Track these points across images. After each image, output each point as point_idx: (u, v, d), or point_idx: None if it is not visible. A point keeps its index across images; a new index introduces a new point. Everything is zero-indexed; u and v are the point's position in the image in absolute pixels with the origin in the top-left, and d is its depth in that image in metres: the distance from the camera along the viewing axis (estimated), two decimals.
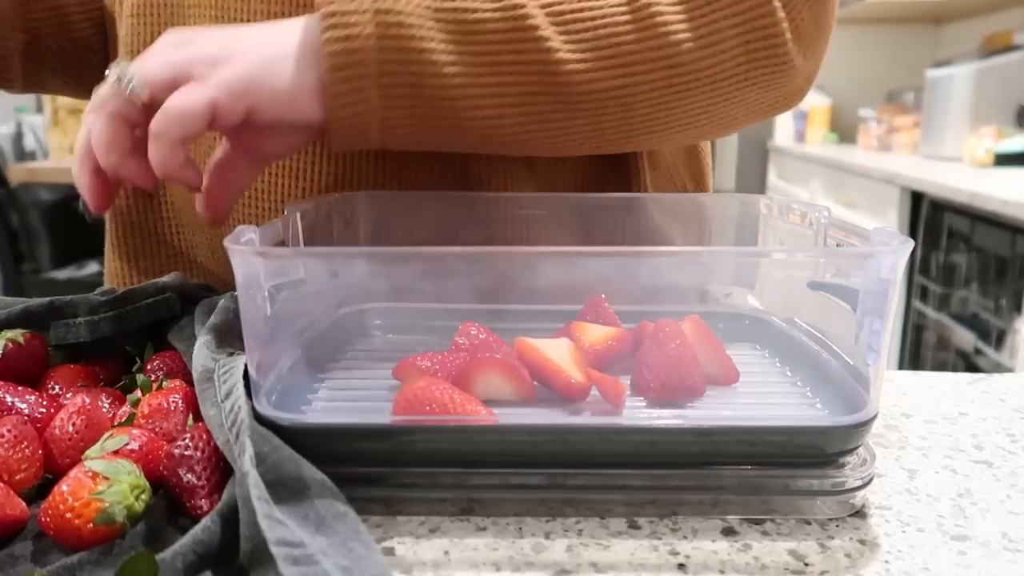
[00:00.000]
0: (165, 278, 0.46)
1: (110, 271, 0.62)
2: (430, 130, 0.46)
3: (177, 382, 0.39)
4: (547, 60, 0.44)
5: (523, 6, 0.44)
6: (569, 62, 0.45)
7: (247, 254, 0.34)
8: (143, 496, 0.31)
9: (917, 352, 1.99)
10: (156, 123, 0.40)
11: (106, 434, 0.34)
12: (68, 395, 0.40)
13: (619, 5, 0.45)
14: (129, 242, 0.60)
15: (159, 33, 0.45)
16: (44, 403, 0.38)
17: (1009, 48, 2.24)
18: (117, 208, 0.60)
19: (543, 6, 0.45)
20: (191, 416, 0.37)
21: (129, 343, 0.44)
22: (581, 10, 0.45)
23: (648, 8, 0.46)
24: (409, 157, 0.53)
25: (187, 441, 0.33)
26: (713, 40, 0.46)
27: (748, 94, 0.49)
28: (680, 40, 0.46)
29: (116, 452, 0.33)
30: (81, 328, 0.43)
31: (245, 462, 0.29)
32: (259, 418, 0.34)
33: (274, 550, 0.26)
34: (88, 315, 0.43)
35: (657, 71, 0.46)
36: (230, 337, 0.40)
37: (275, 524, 0.27)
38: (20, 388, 0.38)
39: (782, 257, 0.47)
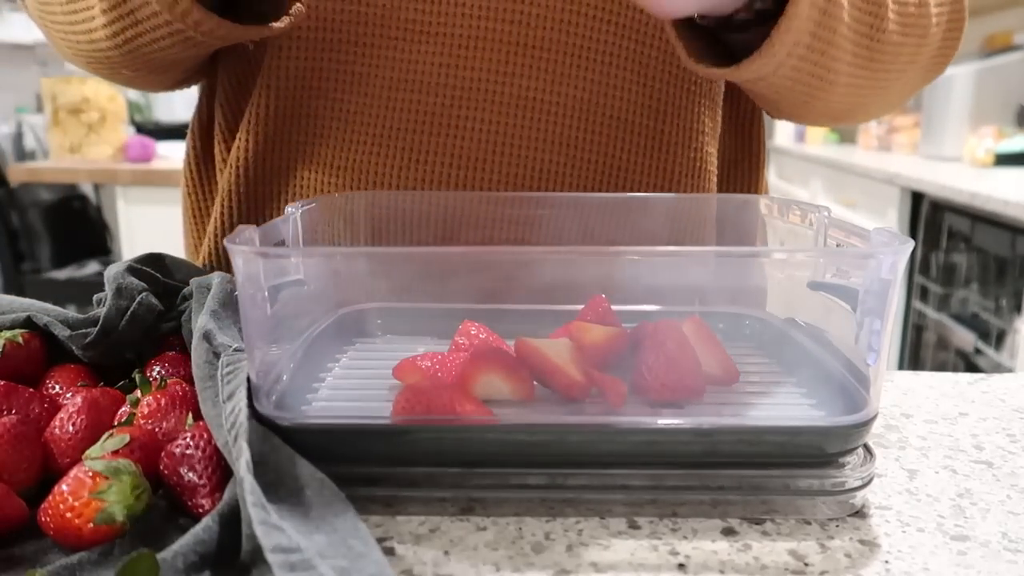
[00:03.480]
0: (122, 280, 0.43)
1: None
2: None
3: (177, 382, 0.39)
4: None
5: None
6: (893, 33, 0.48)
7: (247, 254, 0.34)
8: (143, 496, 0.31)
9: (917, 352, 1.99)
10: None
11: (106, 434, 0.34)
12: (68, 395, 0.40)
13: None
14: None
15: None
16: (44, 403, 0.38)
17: (1009, 48, 2.24)
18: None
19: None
20: (191, 416, 0.37)
21: (126, 352, 0.44)
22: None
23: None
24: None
25: (188, 440, 0.33)
26: (931, 24, 0.51)
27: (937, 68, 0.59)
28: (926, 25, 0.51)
29: (116, 452, 0.33)
30: (81, 354, 0.43)
31: (241, 467, 0.29)
32: (259, 418, 0.34)
33: (271, 557, 0.26)
34: (82, 350, 0.42)
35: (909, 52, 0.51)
36: (227, 324, 0.40)
37: (271, 530, 0.27)
38: (20, 388, 0.38)
39: (782, 257, 0.47)
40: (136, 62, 0.51)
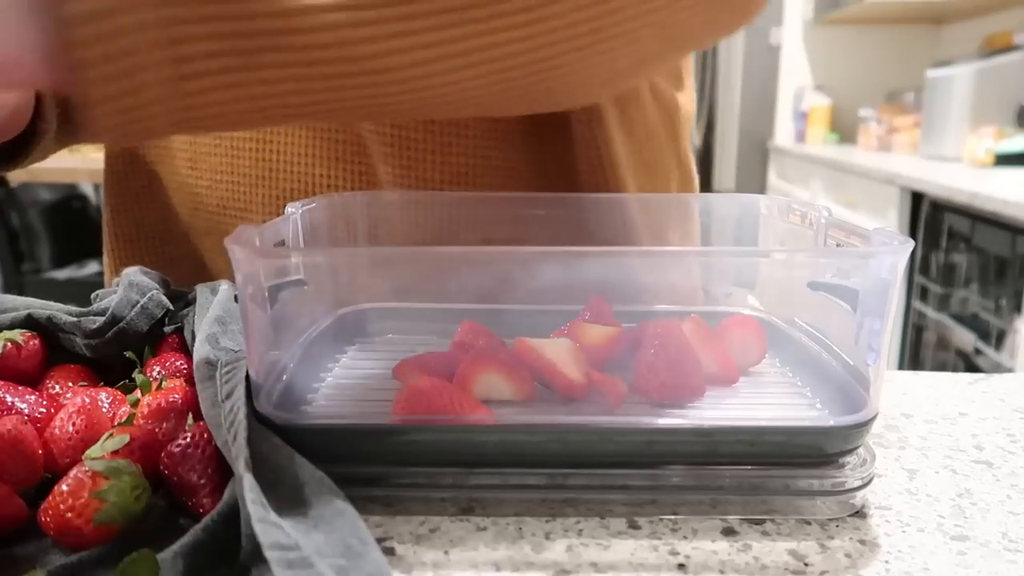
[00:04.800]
0: (134, 277, 0.45)
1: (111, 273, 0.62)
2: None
3: (177, 382, 0.39)
4: None
5: None
6: None
7: (247, 254, 0.34)
8: (143, 496, 0.31)
9: (917, 352, 1.99)
10: None
11: (106, 434, 0.34)
12: (68, 395, 0.40)
13: None
14: (128, 243, 0.60)
15: None
16: (44, 403, 0.38)
17: (1009, 48, 2.24)
18: (114, 207, 0.60)
19: None
20: (191, 416, 0.37)
21: (128, 348, 0.44)
22: None
23: None
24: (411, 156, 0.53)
25: (188, 440, 0.33)
26: None
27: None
28: None
29: (116, 452, 0.33)
30: (83, 348, 0.43)
31: (241, 465, 0.29)
32: (259, 418, 0.34)
33: (269, 554, 0.26)
34: (85, 339, 0.43)
35: None
36: (232, 330, 0.40)
37: (270, 528, 0.27)
38: (20, 388, 0.38)
39: (782, 257, 0.46)
40: None
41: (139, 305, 0.43)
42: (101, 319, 0.42)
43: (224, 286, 0.44)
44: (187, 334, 0.43)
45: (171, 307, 0.45)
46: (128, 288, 0.44)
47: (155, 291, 0.44)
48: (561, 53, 0.37)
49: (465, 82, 0.37)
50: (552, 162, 0.55)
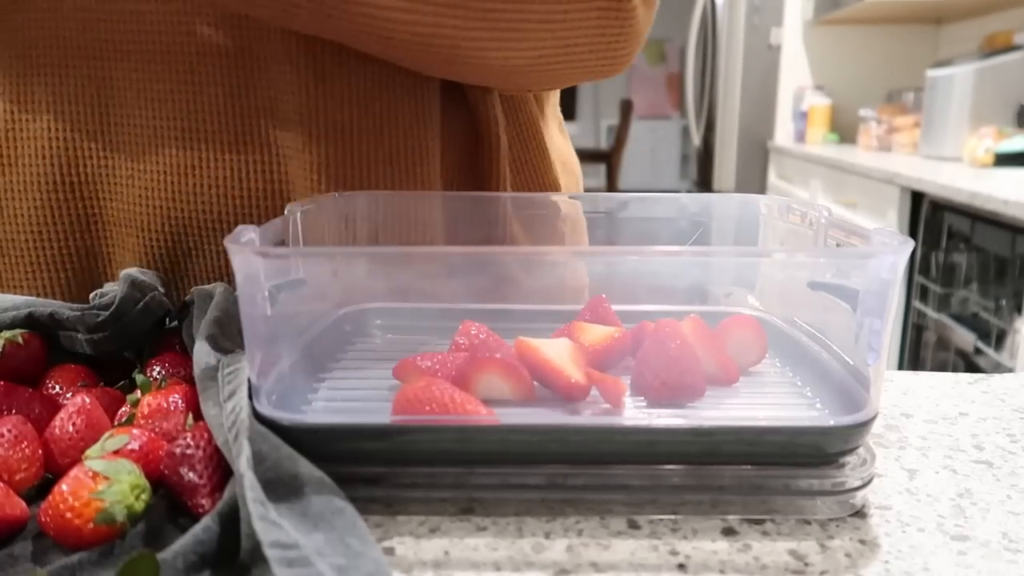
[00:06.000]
0: (136, 276, 0.45)
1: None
2: None
3: (177, 382, 0.39)
4: None
5: None
6: None
7: (247, 254, 0.34)
8: (143, 496, 0.31)
9: (917, 352, 1.99)
10: None
11: (106, 434, 0.34)
12: (68, 395, 0.40)
13: None
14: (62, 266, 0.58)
15: None
16: (44, 403, 0.38)
17: (1009, 48, 2.24)
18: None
19: None
20: (191, 416, 0.37)
21: (129, 347, 0.44)
22: None
23: None
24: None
25: (188, 440, 0.33)
26: None
27: (587, 44, 0.49)
28: None
29: (116, 452, 0.33)
30: (84, 344, 0.43)
31: (242, 463, 0.29)
32: (259, 418, 0.34)
33: (268, 552, 0.26)
34: (88, 334, 0.43)
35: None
36: (231, 331, 0.40)
37: (270, 526, 0.27)
38: (20, 388, 0.38)
39: (782, 257, 0.47)
40: None
41: (142, 303, 0.44)
42: (105, 313, 0.43)
43: (220, 288, 0.44)
44: (185, 337, 0.43)
45: (171, 307, 0.45)
46: (131, 287, 0.44)
47: (156, 292, 0.45)
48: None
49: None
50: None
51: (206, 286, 0.45)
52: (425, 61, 0.49)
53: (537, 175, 0.62)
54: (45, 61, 0.51)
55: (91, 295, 0.46)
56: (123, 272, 0.46)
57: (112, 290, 0.45)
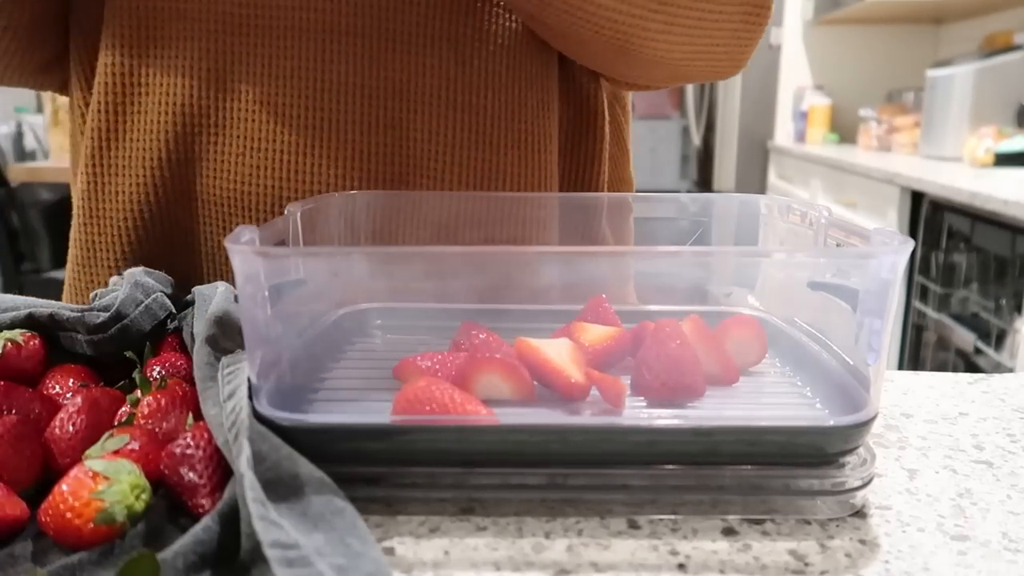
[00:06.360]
0: (140, 277, 0.46)
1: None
2: None
3: (177, 382, 0.39)
4: None
5: None
6: None
7: (247, 254, 0.34)
8: (143, 496, 0.31)
9: (917, 352, 1.99)
10: None
11: (106, 434, 0.34)
12: (68, 395, 0.40)
13: None
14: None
15: None
16: (44, 403, 0.38)
17: (1009, 48, 2.24)
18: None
19: None
20: (191, 416, 0.37)
21: (129, 348, 0.44)
22: None
23: None
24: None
25: (188, 440, 0.33)
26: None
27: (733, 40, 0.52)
28: None
29: (116, 452, 0.33)
30: (84, 345, 0.43)
31: (242, 463, 0.29)
32: (259, 418, 0.34)
33: (269, 552, 0.26)
34: (88, 335, 0.43)
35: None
36: (231, 331, 0.40)
37: (270, 526, 0.27)
38: (20, 388, 0.38)
39: (782, 257, 0.47)
40: None
41: (143, 305, 0.44)
42: (105, 315, 0.43)
43: (222, 287, 0.44)
44: (186, 336, 0.43)
45: (174, 310, 0.45)
46: (134, 287, 0.44)
47: (159, 293, 0.45)
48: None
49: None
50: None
51: (206, 286, 0.45)
52: (594, 47, 0.50)
53: (618, 169, 0.64)
54: (163, 33, 0.51)
55: (91, 295, 0.46)
56: (127, 271, 0.46)
57: (114, 290, 0.45)
